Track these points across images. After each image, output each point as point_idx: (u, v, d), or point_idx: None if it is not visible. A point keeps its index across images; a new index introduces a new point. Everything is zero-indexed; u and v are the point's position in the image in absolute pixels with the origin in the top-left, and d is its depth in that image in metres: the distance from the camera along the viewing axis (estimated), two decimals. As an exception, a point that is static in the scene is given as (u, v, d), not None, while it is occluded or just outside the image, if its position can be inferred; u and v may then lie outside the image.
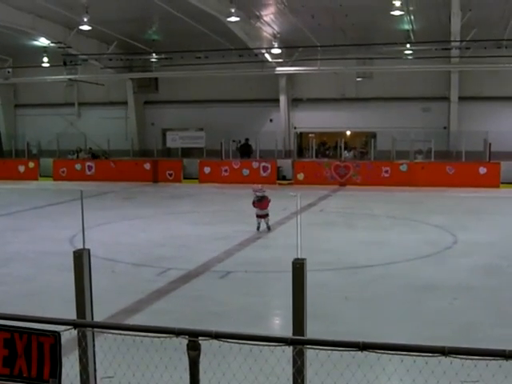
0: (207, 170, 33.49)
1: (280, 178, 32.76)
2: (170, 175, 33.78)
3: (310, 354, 4.83)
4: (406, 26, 29.21)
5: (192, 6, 24.64)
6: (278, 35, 31.05)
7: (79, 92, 40.03)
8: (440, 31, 28.97)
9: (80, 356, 5.40)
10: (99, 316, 6.13)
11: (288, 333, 4.89)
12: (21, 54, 36.20)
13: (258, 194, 17.62)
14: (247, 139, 35.70)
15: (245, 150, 35.79)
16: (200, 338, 4.45)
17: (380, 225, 19.30)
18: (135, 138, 38.87)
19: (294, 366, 4.76)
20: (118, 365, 6.09)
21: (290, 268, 5.05)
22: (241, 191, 26.69)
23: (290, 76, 35.75)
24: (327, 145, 39.29)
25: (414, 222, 19.54)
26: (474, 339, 8.10)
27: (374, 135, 35.64)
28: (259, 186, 18.59)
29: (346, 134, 37.60)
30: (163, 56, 33.84)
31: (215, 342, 4.46)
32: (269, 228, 17.57)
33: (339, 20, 28.46)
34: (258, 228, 17.50)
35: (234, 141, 35.19)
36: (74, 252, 5.72)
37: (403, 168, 31.13)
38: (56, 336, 4.71)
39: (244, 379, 5.79)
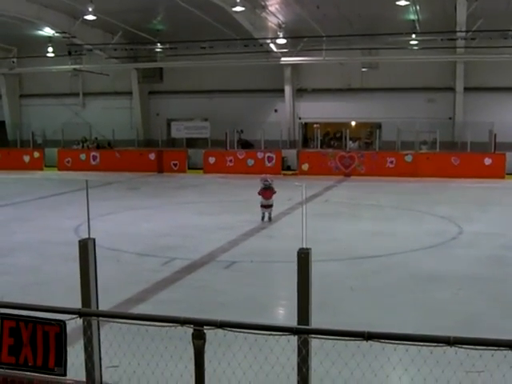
0: (212, 160, 33.49)
1: (285, 168, 32.75)
2: (175, 165, 33.79)
3: (315, 343, 4.84)
4: (412, 17, 29.06)
5: (197, -5, 24.62)
6: (283, 25, 30.93)
7: (84, 82, 39.92)
8: (446, 21, 28.81)
9: (85, 345, 5.42)
10: (104, 305, 6.13)
11: (293, 323, 4.90)
12: (26, 44, 36.13)
13: (267, 181, 17.67)
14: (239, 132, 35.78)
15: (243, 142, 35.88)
16: (205, 327, 4.46)
17: (385, 215, 19.30)
18: (140, 128, 38.81)
19: (299, 356, 4.77)
20: (123, 354, 6.11)
21: (294, 258, 5.05)
22: (245, 181, 26.70)
23: (294, 66, 35.62)
24: (330, 135, 39.08)
25: (418, 213, 19.51)
26: (479, 330, 8.08)
27: (379, 126, 35.51)
28: (268, 175, 18.63)
29: (351, 125, 37.48)
30: (168, 46, 33.73)
31: (220, 331, 4.46)
32: (270, 219, 17.64)
33: (345, 10, 28.35)
34: (263, 218, 17.55)
35: (237, 131, 35.26)
36: (80, 241, 5.73)
37: (408, 159, 31.08)
38: (61, 325, 4.73)
39: (249, 368, 5.79)
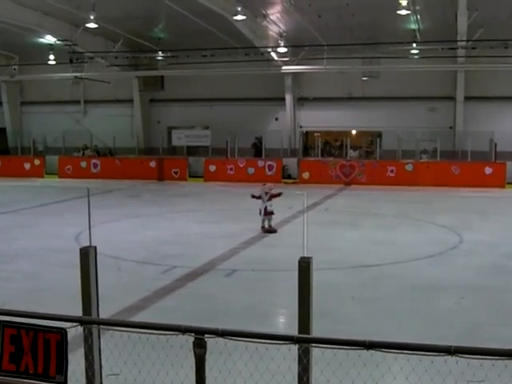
0: (212, 168, 33.53)
1: (285, 176, 32.76)
2: (176, 173, 33.81)
3: (316, 352, 4.83)
4: (413, 26, 29.11)
5: (198, 4, 24.60)
6: (285, 34, 30.99)
7: (85, 90, 39.99)
8: (446, 31, 28.87)
9: (86, 353, 5.41)
10: (105, 313, 6.14)
11: (293, 331, 4.89)
12: (27, 52, 36.19)
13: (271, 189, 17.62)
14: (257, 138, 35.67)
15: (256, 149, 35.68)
16: (206, 335, 4.46)
17: (385, 224, 19.28)
18: (141, 136, 38.88)
19: (299, 365, 4.76)
20: (123, 362, 6.10)
21: (295, 266, 5.05)
22: (246, 190, 26.67)
23: (295, 75, 35.68)
24: (329, 145, 39.01)
25: (419, 222, 19.51)
26: (480, 339, 8.08)
27: (379, 134, 35.56)
28: (271, 185, 18.55)
29: (351, 133, 37.52)
30: (169, 54, 33.77)
31: (221, 339, 4.46)
32: (270, 226, 17.46)
33: (346, 19, 28.39)
34: (270, 225, 17.40)
35: (256, 137, 35.19)
36: (81, 249, 5.73)
37: (409, 167, 31.10)
38: (62, 333, 4.73)
39: (250, 377, 5.78)
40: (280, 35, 30.98)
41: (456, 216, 20.57)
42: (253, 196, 17.77)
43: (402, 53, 30.33)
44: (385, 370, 5.94)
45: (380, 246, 15.49)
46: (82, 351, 5.48)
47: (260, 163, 32.93)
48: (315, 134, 37.85)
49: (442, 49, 29.12)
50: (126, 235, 17.18)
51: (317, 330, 5.06)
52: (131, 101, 38.95)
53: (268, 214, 17.38)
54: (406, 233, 17.60)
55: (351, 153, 34.58)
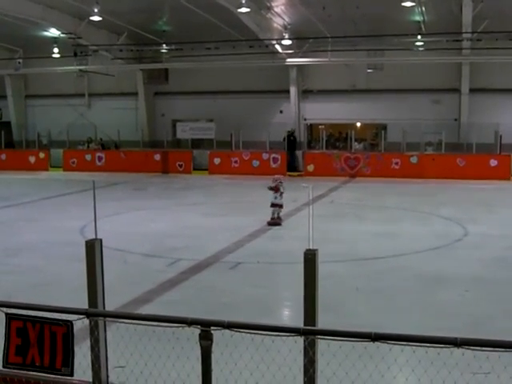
0: (217, 161, 33.52)
1: (290, 169, 32.73)
2: (180, 166, 33.82)
3: (322, 344, 4.84)
4: (417, 18, 29.03)
5: (203, -4, 24.62)
6: (289, 26, 30.90)
7: (89, 83, 39.98)
8: (451, 23, 28.78)
9: (92, 345, 5.42)
10: (110, 306, 6.14)
11: (299, 324, 4.89)
12: (31, 45, 36.20)
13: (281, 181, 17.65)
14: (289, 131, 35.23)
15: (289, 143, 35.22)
16: (212, 327, 4.46)
17: (390, 217, 19.27)
18: (145, 129, 38.84)
19: (305, 357, 4.76)
20: (130, 354, 6.11)
21: (300, 259, 5.04)
22: (251, 182, 26.72)
23: (300, 67, 35.61)
24: (333, 137, 38.90)
25: (424, 214, 19.49)
26: (485, 331, 8.07)
27: (384, 127, 35.50)
28: (277, 176, 18.58)
29: (356, 126, 37.44)
30: (173, 47, 33.78)
31: (227, 332, 4.46)
32: (280, 218, 17.51)
33: (350, 11, 28.33)
34: (279, 218, 17.42)
35: (289, 131, 34.93)
36: (86, 242, 5.73)
37: (413, 160, 31.06)
38: (68, 325, 4.74)
39: (256, 369, 5.79)
40: (284, 27, 30.90)
41: (461, 208, 20.55)
42: (270, 188, 17.72)
43: (407, 45, 30.24)
44: (391, 362, 5.95)
45: (385, 238, 15.49)
46: (88, 343, 5.49)
47: (265, 156, 32.90)
48: (320, 127, 37.78)
49: (447, 41, 29.04)
50: (131, 228, 17.20)
51: (322, 323, 5.06)
52: (135, 94, 38.93)
53: (273, 205, 17.41)
54: (410, 225, 17.58)
55: (356, 145, 34.51)
